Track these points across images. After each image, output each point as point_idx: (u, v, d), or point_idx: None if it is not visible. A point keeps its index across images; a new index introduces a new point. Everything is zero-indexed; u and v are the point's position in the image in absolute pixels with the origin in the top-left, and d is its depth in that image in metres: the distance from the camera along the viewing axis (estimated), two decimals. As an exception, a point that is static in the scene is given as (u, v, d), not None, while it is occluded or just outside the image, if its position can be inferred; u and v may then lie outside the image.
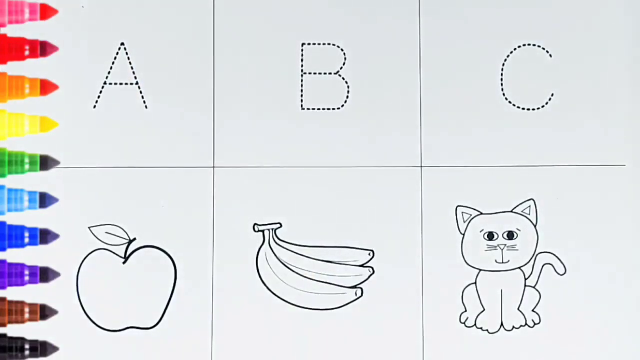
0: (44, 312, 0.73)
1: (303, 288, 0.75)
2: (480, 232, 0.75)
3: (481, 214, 0.76)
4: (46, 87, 0.74)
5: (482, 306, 0.75)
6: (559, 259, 0.76)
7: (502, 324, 0.75)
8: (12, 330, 0.73)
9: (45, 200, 0.74)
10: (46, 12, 0.75)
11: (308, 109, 0.76)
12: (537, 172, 0.76)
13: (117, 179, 0.75)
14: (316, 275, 0.75)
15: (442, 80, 0.76)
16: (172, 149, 0.75)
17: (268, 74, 0.76)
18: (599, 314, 0.75)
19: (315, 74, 0.76)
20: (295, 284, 0.75)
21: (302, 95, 0.76)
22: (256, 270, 0.75)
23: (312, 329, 0.75)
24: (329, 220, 0.75)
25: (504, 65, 0.76)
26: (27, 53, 0.74)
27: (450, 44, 0.76)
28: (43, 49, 0.75)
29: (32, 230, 0.74)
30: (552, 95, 0.76)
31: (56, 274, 0.74)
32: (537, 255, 0.76)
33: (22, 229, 0.73)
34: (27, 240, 0.73)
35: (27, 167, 0.74)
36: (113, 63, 0.75)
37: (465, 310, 0.75)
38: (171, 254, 0.74)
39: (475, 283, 0.75)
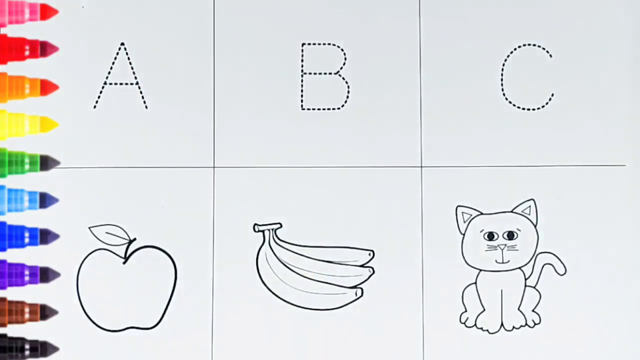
0: (44, 312, 0.73)
1: (303, 288, 0.75)
2: (480, 232, 0.75)
3: (481, 214, 0.76)
4: (46, 87, 0.74)
5: (482, 306, 0.75)
6: (559, 259, 0.76)
7: (502, 324, 0.75)
8: (12, 330, 0.73)
9: (45, 200, 0.74)
10: (46, 12, 0.75)
11: (308, 109, 0.76)
12: (537, 172, 0.76)
13: (117, 179, 0.75)
14: (316, 275, 0.75)
15: (442, 80, 0.76)
16: (172, 149, 0.75)
17: (268, 74, 0.76)
18: (599, 314, 0.75)
19: (315, 74, 0.76)
20: (295, 284, 0.75)
21: (302, 95, 0.76)
22: (256, 270, 0.75)
23: (312, 329, 0.75)
24: (329, 220, 0.75)
25: (504, 65, 0.76)
26: (27, 53, 0.74)
27: (450, 44, 0.76)
28: (43, 49, 0.75)
29: (32, 230, 0.74)
30: (552, 95, 0.76)
31: (56, 274, 0.74)
32: (537, 255, 0.76)
33: (22, 229, 0.73)
34: (27, 240, 0.73)
35: (27, 167, 0.74)
36: (113, 63, 0.75)
37: (465, 310, 0.75)
38: (171, 254, 0.74)
39: (475, 283, 0.75)
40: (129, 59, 0.75)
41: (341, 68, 0.76)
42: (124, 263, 0.74)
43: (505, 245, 0.76)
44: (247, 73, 0.75)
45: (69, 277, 0.74)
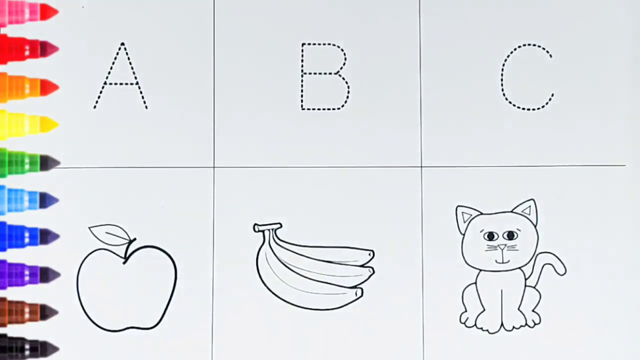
0: (44, 312, 0.73)
1: (303, 288, 0.75)
2: (480, 232, 0.75)
3: (481, 214, 0.76)
4: (46, 87, 0.74)
5: (482, 306, 0.75)
6: (559, 259, 0.76)
7: (502, 324, 0.75)
8: (12, 330, 0.73)
9: (45, 200, 0.74)
10: (46, 12, 0.75)
11: (308, 109, 0.76)
12: (537, 172, 0.76)
13: (117, 179, 0.75)
14: (316, 275, 0.75)
15: (442, 80, 0.76)
16: (172, 149, 0.75)
17: (268, 74, 0.76)
18: (599, 314, 0.75)
19: (315, 74, 0.76)
20: (295, 284, 0.75)
21: (302, 95, 0.76)
22: (256, 270, 0.75)
23: (312, 329, 0.75)
24: (329, 220, 0.75)
25: (504, 65, 0.76)
26: (27, 53, 0.74)
27: (450, 44, 0.76)
28: (43, 49, 0.75)
29: (32, 230, 0.74)
30: (552, 95, 0.76)
31: (56, 274, 0.74)
32: (537, 255, 0.76)
33: (22, 229, 0.73)
34: (27, 240, 0.73)
35: (27, 167, 0.74)
36: (113, 63, 0.75)
37: (465, 310, 0.75)
38: (171, 254, 0.74)
39: (475, 283, 0.75)
40: (129, 59, 0.75)
41: (341, 68, 0.76)
42: (124, 263, 0.74)
43: (505, 245, 0.76)
44: (247, 73, 0.75)
45: (69, 277, 0.74)
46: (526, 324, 0.75)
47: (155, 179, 0.75)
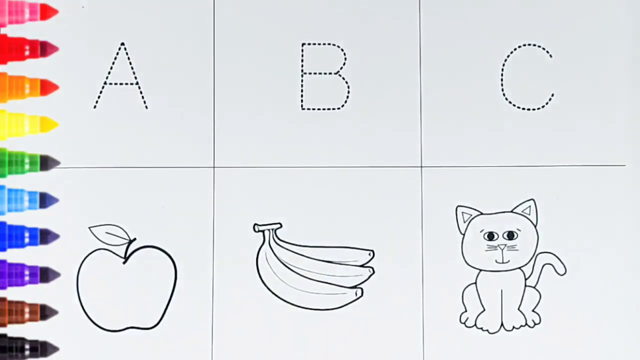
0: (44, 312, 0.73)
1: (303, 288, 0.75)
2: (480, 232, 0.75)
3: (481, 214, 0.76)
4: (46, 87, 0.74)
5: (482, 306, 0.75)
6: (559, 259, 0.76)
7: (502, 324, 0.75)
8: (12, 330, 0.73)
9: (45, 200, 0.74)
10: (46, 12, 0.75)
11: (308, 109, 0.76)
12: (537, 172, 0.76)
13: (117, 179, 0.75)
14: (316, 275, 0.75)
15: (442, 80, 0.76)
16: (172, 149, 0.75)
17: (268, 74, 0.76)
18: (599, 314, 0.75)
19: (315, 74, 0.76)
20: (295, 284, 0.75)
21: (302, 95, 0.76)
22: (256, 270, 0.75)
23: (312, 329, 0.75)
24: (329, 220, 0.75)
25: (504, 65, 0.76)
26: (27, 53, 0.74)
27: (450, 44, 0.76)
28: (43, 49, 0.75)
29: (32, 230, 0.74)
30: (552, 95, 0.76)
31: (56, 274, 0.74)
32: (537, 255, 0.76)
33: (22, 229, 0.73)
34: (27, 240, 0.73)
35: (27, 167, 0.74)
36: (113, 63, 0.75)
37: (465, 310, 0.75)
38: (171, 254, 0.74)
39: (475, 283, 0.75)
40: (129, 59, 0.75)
41: (341, 68, 0.76)
42: (124, 263, 0.74)
43: (505, 245, 0.76)
44: (247, 73, 0.75)
45: (69, 277, 0.74)
46: (526, 324, 0.75)
47: (155, 179, 0.75)
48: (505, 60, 0.76)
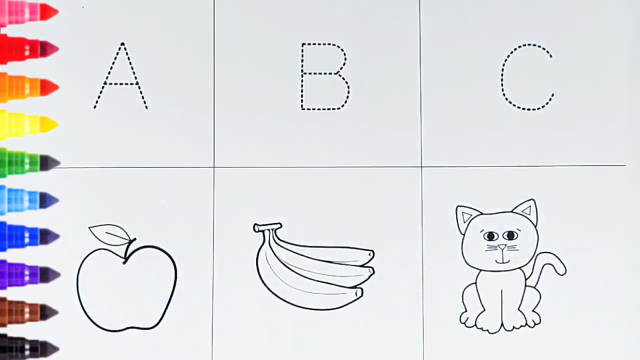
0: (44, 312, 0.73)
1: (303, 288, 0.75)
2: (480, 232, 0.75)
3: (481, 214, 0.76)
4: (46, 87, 0.74)
5: (482, 306, 0.75)
6: (559, 259, 0.76)
7: (502, 324, 0.75)
8: (12, 330, 0.73)
9: (45, 200, 0.74)
10: (46, 12, 0.75)
11: (308, 109, 0.76)
12: (537, 172, 0.76)
13: (117, 179, 0.75)
14: (316, 275, 0.75)
15: (442, 80, 0.76)
16: (172, 149, 0.75)
17: (268, 74, 0.76)
18: (599, 314, 0.75)
19: (315, 74, 0.76)
20: (295, 284, 0.75)
21: (302, 95, 0.76)
22: (256, 270, 0.75)
23: (312, 329, 0.74)
24: (329, 220, 0.75)
25: (504, 65, 0.76)
26: (27, 53, 0.74)
27: (450, 44, 0.76)
28: (43, 49, 0.75)
29: (32, 230, 0.74)
30: (552, 95, 0.76)
31: (56, 274, 0.74)
32: (537, 255, 0.76)
33: (22, 229, 0.73)
34: (27, 240, 0.73)
35: (27, 167, 0.74)
36: (113, 63, 0.75)
37: (465, 310, 0.75)
38: (171, 254, 0.74)
39: (475, 283, 0.75)
40: (129, 59, 0.75)
41: (341, 68, 0.76)
42: (124, 263, 0.74)
43: (505, 245, 0.76)
44: (247, 73, 0.75)
45: (69, 277, 0.74)
46: (526, 324, 0.75)
47: (155, 179, 0.75)
48: (505, 60, 0.76)
